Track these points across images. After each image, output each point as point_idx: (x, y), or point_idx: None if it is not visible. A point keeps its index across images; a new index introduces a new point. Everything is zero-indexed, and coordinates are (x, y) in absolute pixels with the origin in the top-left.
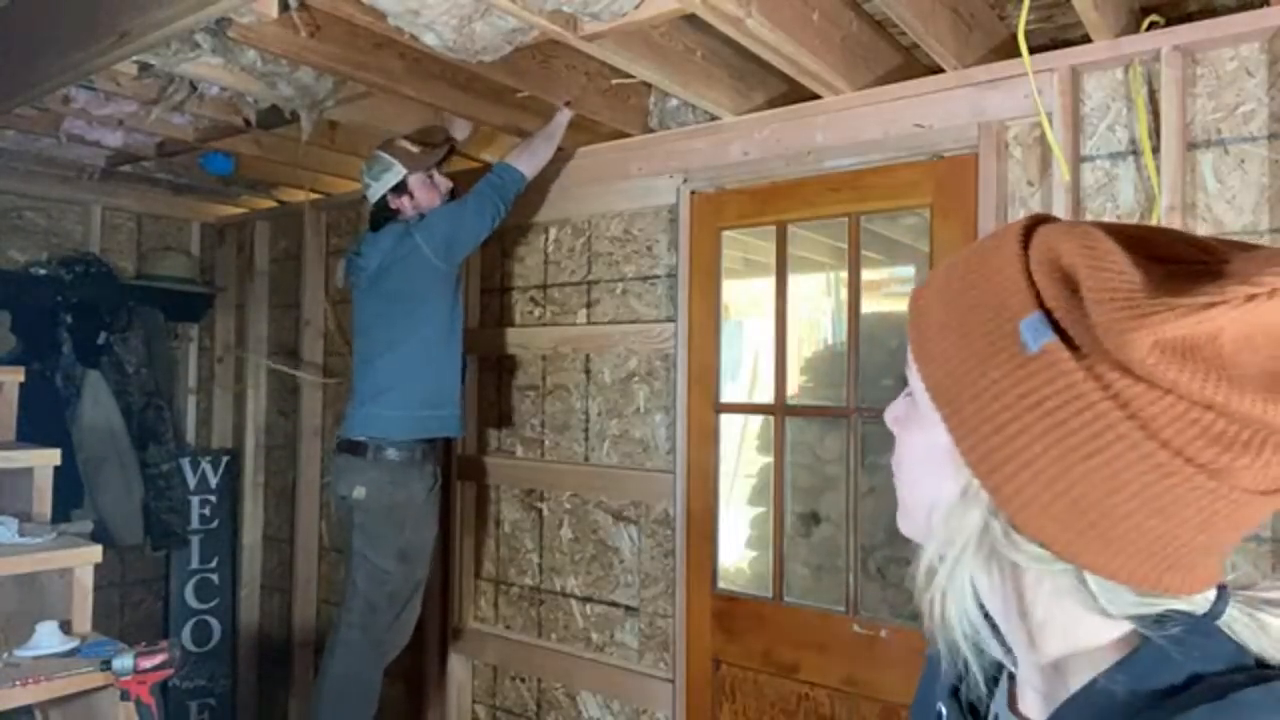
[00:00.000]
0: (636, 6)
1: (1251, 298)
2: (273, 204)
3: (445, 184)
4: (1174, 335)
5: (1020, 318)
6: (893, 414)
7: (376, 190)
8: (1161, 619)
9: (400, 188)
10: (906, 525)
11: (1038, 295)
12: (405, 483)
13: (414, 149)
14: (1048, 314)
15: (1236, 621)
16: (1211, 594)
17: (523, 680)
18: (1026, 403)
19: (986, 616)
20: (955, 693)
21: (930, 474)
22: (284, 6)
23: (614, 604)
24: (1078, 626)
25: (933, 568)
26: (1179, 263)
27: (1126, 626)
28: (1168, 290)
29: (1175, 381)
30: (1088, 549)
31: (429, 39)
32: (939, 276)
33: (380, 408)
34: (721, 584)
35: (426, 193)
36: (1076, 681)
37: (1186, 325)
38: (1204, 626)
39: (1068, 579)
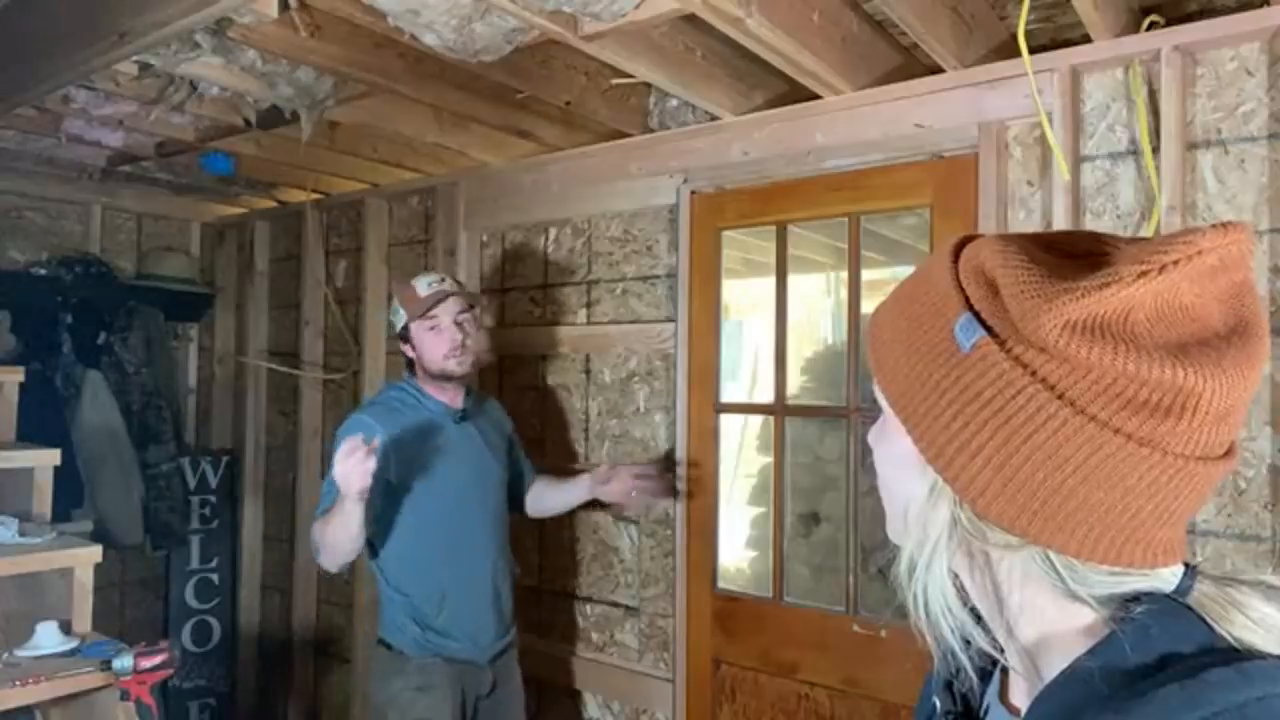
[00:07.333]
0: (636, 6)
1: (1143, 274)
2: (273, 204)
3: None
4: (1082, 315)
5: (954, 322)
6: (871, 436)
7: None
8: (1131, 600)
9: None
10: (892, 531)
11: (966, 299)
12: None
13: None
14: (975, 314)
15: (1205, 597)
16: (1179, 570)
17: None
18: (967, 396)
19: (973, 611)
20: (949, 686)
21: (902, 479)
22: (284, 6)
23: (614, 604)
24: (1050, 611)
25: (913, 563)
26: (1086, 256)
27: (1098, 613)
28: (1070, 277)
29: (1088, 356)
30: (1045, 528)
31: (429, 39)
32: (889, 298)
33: None
34: (721, 584)
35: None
36: (1049, 668)
37: (1090, 304)
38: (1173, 607)
39: (1035, 563)
